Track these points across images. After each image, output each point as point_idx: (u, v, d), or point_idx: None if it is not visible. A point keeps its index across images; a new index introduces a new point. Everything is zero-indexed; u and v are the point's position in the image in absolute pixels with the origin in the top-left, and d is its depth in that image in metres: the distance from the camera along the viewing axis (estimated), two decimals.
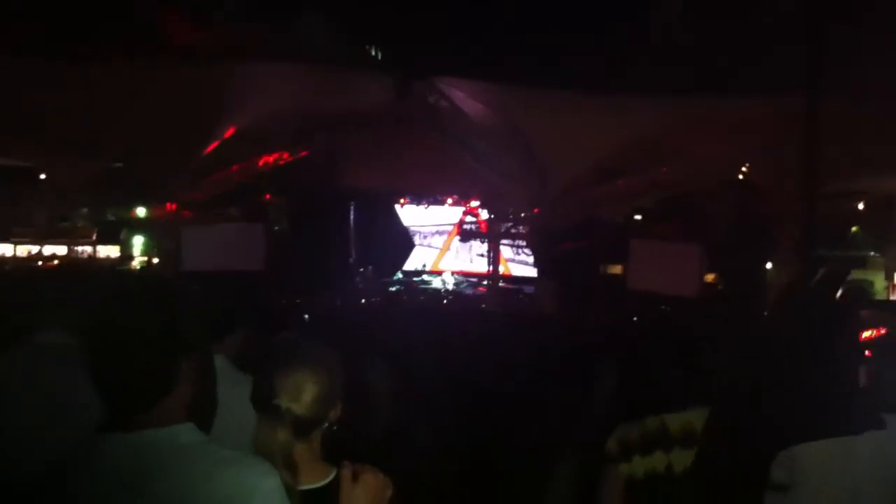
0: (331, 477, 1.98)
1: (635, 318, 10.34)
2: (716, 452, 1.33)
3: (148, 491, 1.46)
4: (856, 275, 18.03)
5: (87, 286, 2.95)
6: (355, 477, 1.93)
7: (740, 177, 16.90)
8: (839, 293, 1.29)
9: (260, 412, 1.98)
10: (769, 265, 17.30)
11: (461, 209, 23.59)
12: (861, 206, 19.27)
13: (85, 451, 1.53)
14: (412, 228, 25.31)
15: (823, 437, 1.61)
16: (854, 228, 20.54)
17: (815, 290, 1.28)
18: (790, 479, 1.69)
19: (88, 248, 22.65)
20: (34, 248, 22.21)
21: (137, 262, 21.40)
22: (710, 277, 17.26)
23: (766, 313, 1.38)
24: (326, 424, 2.05)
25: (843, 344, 1.32)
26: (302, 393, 1.98)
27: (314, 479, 1.96)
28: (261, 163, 17.56)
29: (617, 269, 19.35)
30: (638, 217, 20.15)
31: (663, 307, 13.93)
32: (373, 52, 14.02)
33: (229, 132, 15.35)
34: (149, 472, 1.48)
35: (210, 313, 1.73)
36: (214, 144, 15.39)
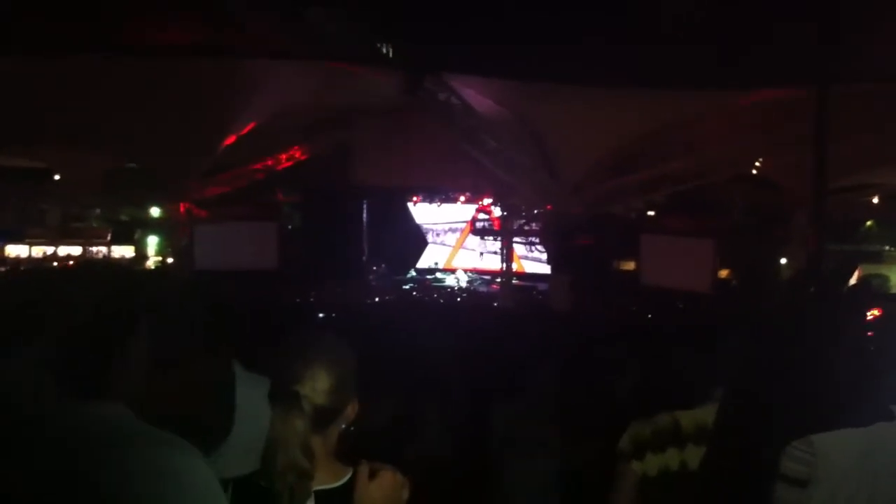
0: (346, 478, 1.96)
1: (649, 314, 10.32)
2: (726, 445, 1.33)
3: (74, 466, 1.46)
4: (870, 269, 17.90)
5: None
6: (372, 476, 1.92)
7: (754, 171, 16.83)
8: (847, 286, 1.29)
9: (277, 401, 1.97)
10: (783, 260, 17.22)
11: (474, 206, 23.54)
12: (876, 199, 19.13)
13: (20, 424, 1.53)
14: (425, 226, 25.30)
15: (833, 429, 1.61)
16: (868, 223, 20.38)
17: (823, 284, 1.28)
18: (810, 475, 1.68)
19: (103, 249, 22.74)
20: (49, 249, 22.31)
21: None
22: (723, 273, 17.21)
23: (777, 306, 1.38)
24: (343, 425, 2.04)
25: (852, 336, 1.33)
26: (319, 381, 1.97)
27: (329, 480, 1.94)
28: (273, 161, 17.60)
29: (630, 265, 19.31)
30: (651, 213, 20.08)
31: (677, 302, 13.91)
32: (384, 49, 13.98)
33: (245, 130, 15.38)
34: (77, 448, 1.47)
35: (210, 311, 1.73)
36: (227, 142, 15.43)
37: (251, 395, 2.05)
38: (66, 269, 1.71)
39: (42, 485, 1.46)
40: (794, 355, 1.29)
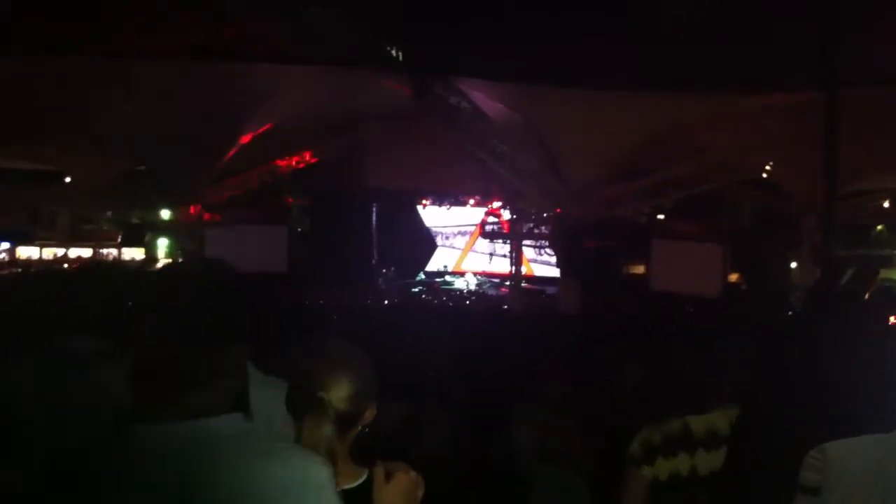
0: (363, 478, 1.98)
1: (659, 317, 10.27)
2: (744, 451, 1.33)
3: (191, 483, 1.42)
4: (881, 274, 17.82)
5: (115, 288, 2.93)
6: (388, 476, 1.94)
7: (763, 175, 16.77)
8: (868, 293, 1.29)
9: (302, 409, 1.99)
10: (794, 264, 17.16)
11: (483, 210, 23.53)
12: (886, 203, 19.01)
13: (120, 443, 1.50)
14: (434, 229, 25.31)
15: (852, 436, 1.59)
16: (879, 227, 20.28)
17: (845, 290, 1.28)
18: (822, 482, 1.68)
19: (113, 251, 22.83)
20: (59, 251, 22.41)
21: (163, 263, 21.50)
22: (733, 277, 17.16)
23: (792, 312, 1.39)
24: (360, 426, 2.05)
25: (871, 343, 1.32)
26: (343, 388, 1.99)
27: (347, 480, 1.96)
28: (283, 164, 17.64)
29: (640, 269, 19.27)
30: (660, 216, 20.01)
31: (687, 306, 13.87)
32: (394, 53, 13.98)
33: (259, 132, 15.40)
34: (192, 463, 1.44)
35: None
36: (243, 141, 15.44)
37: (262, 396, 2.07)
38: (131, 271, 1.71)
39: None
40: (810, 361, 1.30)
